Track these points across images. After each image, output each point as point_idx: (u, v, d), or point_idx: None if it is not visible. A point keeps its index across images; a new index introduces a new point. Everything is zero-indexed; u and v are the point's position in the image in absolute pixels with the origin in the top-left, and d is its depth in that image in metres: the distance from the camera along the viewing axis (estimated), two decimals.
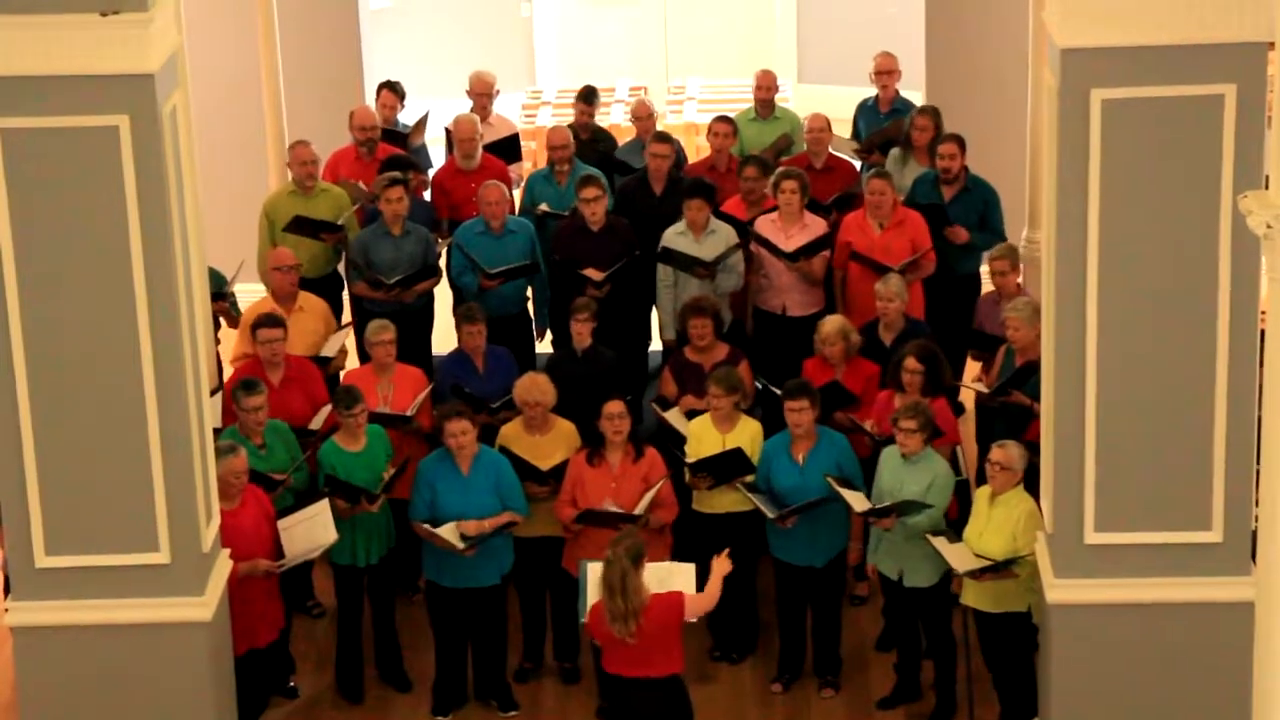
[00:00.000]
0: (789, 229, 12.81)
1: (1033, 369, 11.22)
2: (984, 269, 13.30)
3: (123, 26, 9.35)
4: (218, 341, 13.08)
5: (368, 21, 16.62)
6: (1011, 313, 11.72)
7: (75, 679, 10.28)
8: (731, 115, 14.33)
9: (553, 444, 11.35)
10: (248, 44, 14.99)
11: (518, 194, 14.12)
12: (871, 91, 14.79)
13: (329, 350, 12.57)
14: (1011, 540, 10.46)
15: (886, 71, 14.51)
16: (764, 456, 11.26)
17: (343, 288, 13.63)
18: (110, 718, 10.33)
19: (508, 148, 14.37)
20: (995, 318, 12.31)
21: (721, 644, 11.71)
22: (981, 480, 11.19)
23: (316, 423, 11.72)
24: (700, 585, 10.07)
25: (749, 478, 11.23)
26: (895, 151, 13.82)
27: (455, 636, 11.21)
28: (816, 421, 11.18)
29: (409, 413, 11.69)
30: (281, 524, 10.90)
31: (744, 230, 12.90)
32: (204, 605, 10.23)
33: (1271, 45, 9.45)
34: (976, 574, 10.49)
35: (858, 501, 10.92)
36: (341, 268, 13.57)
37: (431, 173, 14.32)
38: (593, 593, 10.02)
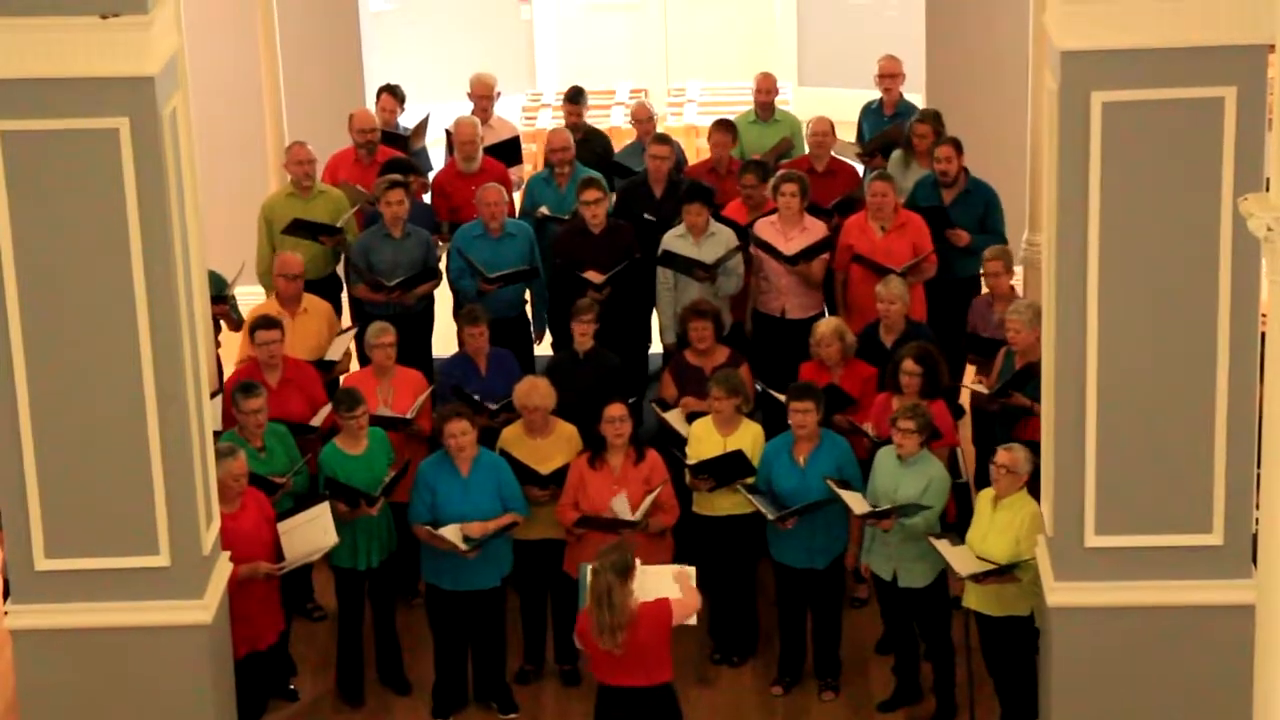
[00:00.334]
0: (788, 231, 12.80)
1: (1033, 371, 11.22)
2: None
3: (123, 29, 9.35)
4: (218, 344, 13.08)
5: (368, 23, 16.62)
6: (1012, 315, 11.71)
7: (75, 682, 10.27)
8: (731, 119, 14.33)
9: (553, 447, 11.34)
10: (248, 46, 14.99)
11: (518, 196, 14.12)
12: (874, 94, 14.79)
13: (333, 354, 12.57)
14: (1015, 544, 10.46)
15: (890, 75, 14.50)
16: (765, 458, 11.25)
17: (341, 290, 13.63)
18: None
19: (508, 150, 14.36)
20: (989, 320, 12.31)
21: (722, 647, 11.71)
22: (981, 483, 11.20)
23: (317, 420, 11.72)
24: (700, 588, 10.06)
25: (749, 480, 11.22)
26: (897, 154, 13.82)
27: (454, 639, 11.21)
28: (819, 424, 11.18)
29: (409, 415, 11.69)
30: (282, 527, 10.90)
31: (744, 234, 12.89)
32: (204, 608, 10.22)
33: (1272, 48, 9.44)
34: (979, 578, 10.48)
35: (857, 504, 10.91)
36: (340, 270, 13.57)
37: (432, 175, 14.32)
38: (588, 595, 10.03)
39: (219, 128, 15.32)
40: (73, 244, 9.67)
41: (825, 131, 13.74)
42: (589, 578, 10.06)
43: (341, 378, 12.50)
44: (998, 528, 10.53)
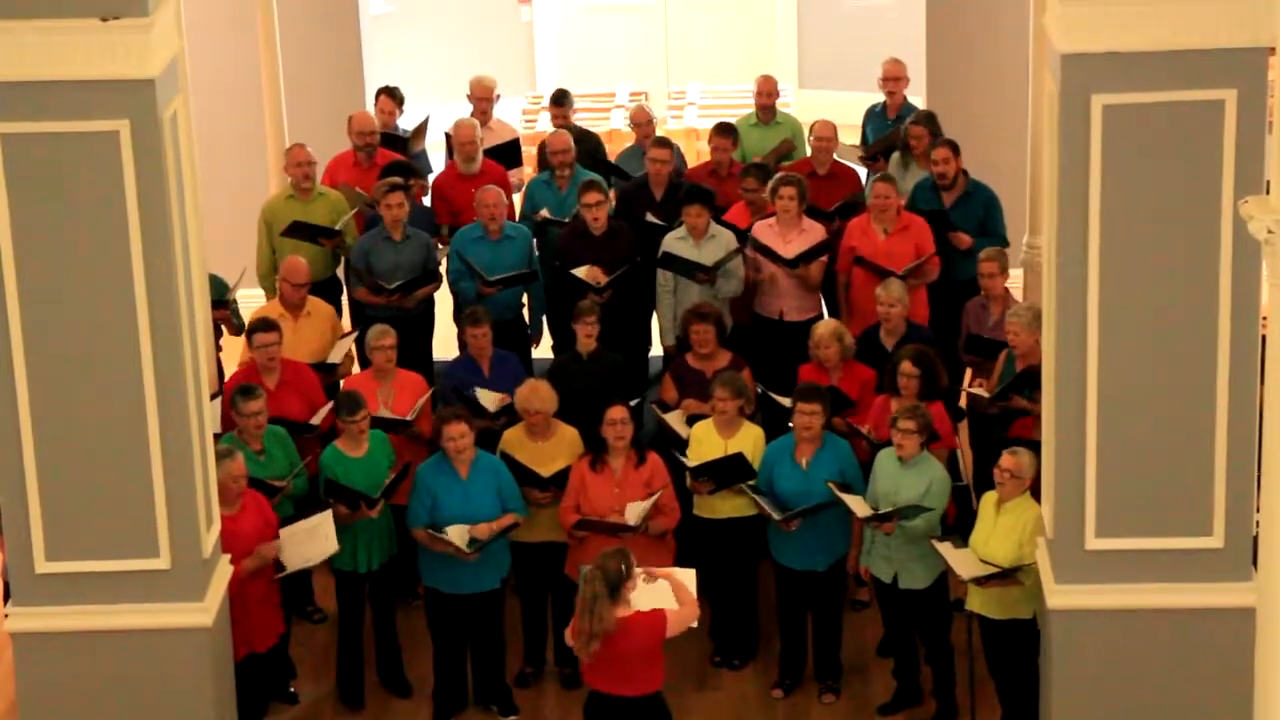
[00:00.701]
0: (787, 234, 12.80)
1: (1033, 374, 11.22)
2: None
3: (123, 32, 9.35)
4: (219, 348, 13.08)
5: (368, 26, 16.64)
6: (1012, 318, 11.71)
7: (75, 684, 10.27)
8: (732, 121, 14.33)
9: (555, 450, 11.34)
10: (248, 49, 14.99)
11: (518, 199, 14.12)
12: (874, 96, 14.79)
13: (334, 357, 12.57)
14: (1018, 547, 10.45)
15: (894, 78, 14.50)
16: (766, 460, 11.25)
17: (341, 292, 13.63)
18: None
19: (508, 153, 14.36)
20: (984, 322, 12.31)
21: (722, 650, 11.70)
22: (979, 485, 11.20)
23: (317, 418, 11.73)
24: (700, 590, 10.05)
25: (752, 482, 11.21)
26: (896, 157, 13.82)
27: (454, 642, 11.21)
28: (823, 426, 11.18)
29: (409, 417, 11.69)
30: (284, 532, 10.90)
31: (745, 236, 12.89)
32: (204, 611, 10.22)
33: (1272, 50, 9.44)
34: (981, 581, 10.48)
35: (860, 507, 10.91)
36: (340, 272, 13.58)
37: (431, 178, 14.32)
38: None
39: (219, 130, 15.32)
40: (73, 247, 9.67)
41: (828, 136, 13.73)
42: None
43: (342, 381, 12.50)
44: (1001, 531, 10.53)
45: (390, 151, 14.09)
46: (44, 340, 9.77)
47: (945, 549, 10.62)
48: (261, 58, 14.74)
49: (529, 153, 14.85)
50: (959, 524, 11.04)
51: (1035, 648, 10.64)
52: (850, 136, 14.81)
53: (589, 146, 14.36)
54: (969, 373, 12.50)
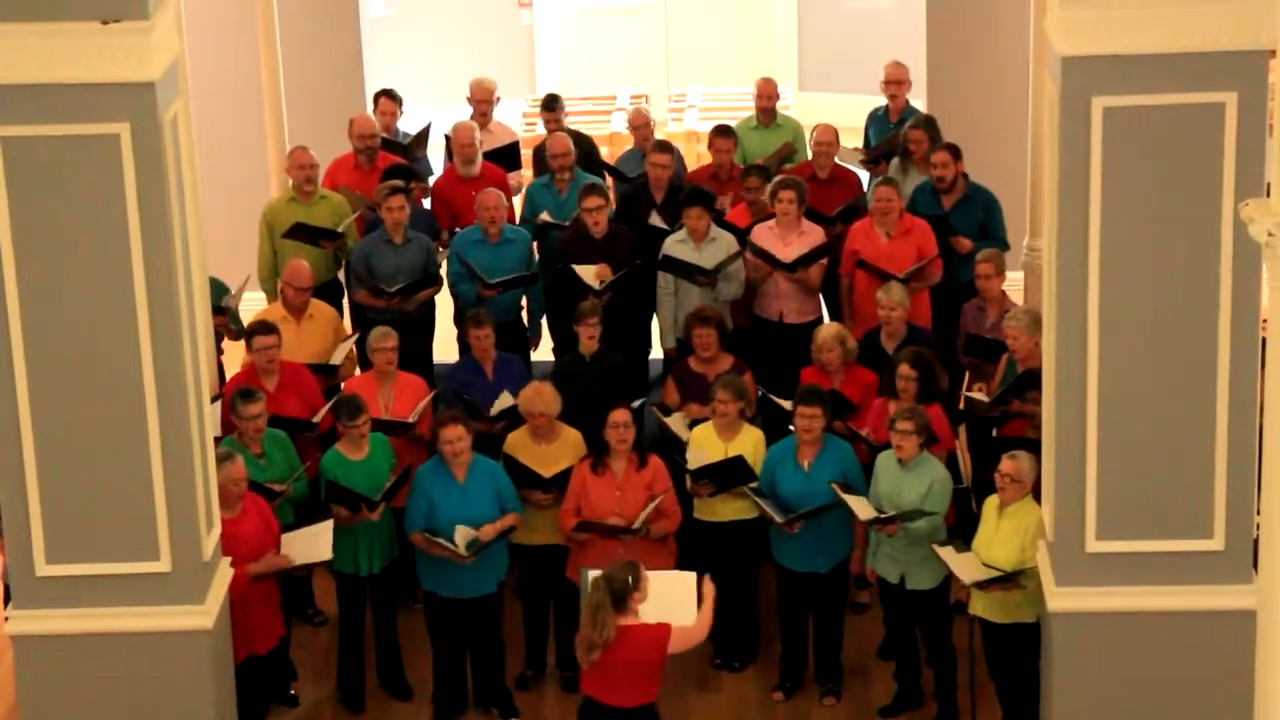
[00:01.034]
0: (787, 236, 12.80)
1: (1032, 378, 11.21)
2: None
3: (124, 35, 9.35)
4: (220, 350, 13.08)
5: (368, 29, 16.64)
6: (1010, 322, 11.71)
7: (76, 687, 10.27)
8: (732, 125, 14.33)
9: (559, 452, 11.34)
10: (249, 52, 14.99)
11: (517, 202, 14.12)
12: (875, 99, 14.79)
13: (336, 359, 12.58)
14: (1020, 551, 10.45)
15: (896, 81, 14.50)
16: (768, 463, 11.25)
17: (342, 295, 13.63)
18: None
19: (507, 155, 14.37)
20: (981, 324, 12.31)
21: (723, 652, 11.70)
22: (978, 488, 11.20)
23: (316, 419, 11.73)
24: (701, 595, 10.06)
25: (754, 484, 11.21)
26: (895, 162, 13.82)
27: (453, 645, 11.20)
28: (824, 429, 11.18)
29: (411, 419, 11.69)
30: (285, 537, 10.90)
31: (745, 238, 12.89)
32: (204, 614, 10.22)
33: (1273, 53, 9.44)
34: (984, 585, 10.47)
35: (863, 509, 10.90)
36: (341, 275, 13.58)
37: (431, 181, 14.32)
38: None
39: (220, 133, 15.33)
40: (74, 249, 9.67)
41: (829, 140, 13.73)
42: (588, 583, 10.06)
43: (343, 383, 12.50)
44: (1004, 535, 10.53)
45: (391, 155, 14.09)
46: (45, 342, 9.77)
47: (947, 553, 10.62)
48: (262, 60, 14.74)
49: (526, 156, 14.84)
50: (958, 527, 11.03)
51: (1038, 651, 10.64)
52: (851, 139, 14.81)
53: (583, 149, 14.36)
54: (968, 376, 12.49)
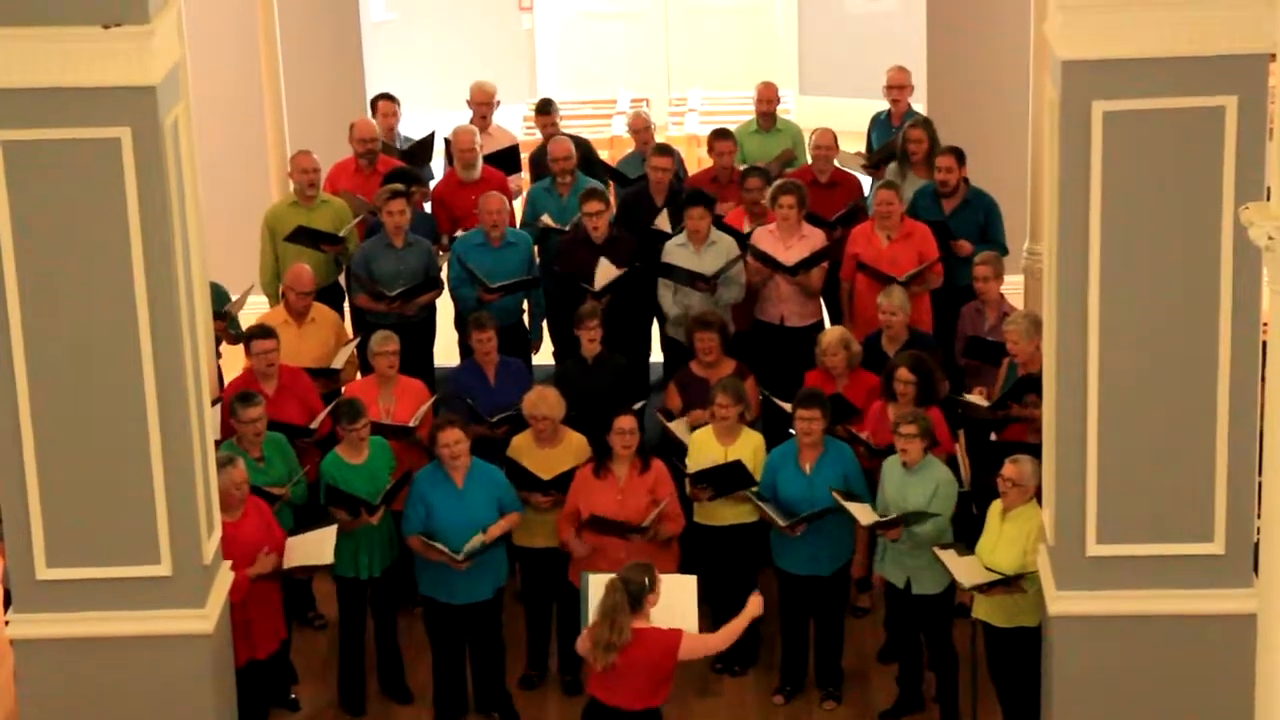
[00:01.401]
0: (787, 240, 12.80)
1: (1032, 382, 11.21)
2: None
3: (125, 39, 9.36)
4: (219, 355, 13.08)
5: (369, 33, 16.64)
6: (1009, 326, 11.71)
7: (76, 691, 10.27)
8: (732, 128, 14.33)
9: (562, 456, 11.34)
10: (249, 56, 15.00)
11: (518, 204, 14.12)
12: (876, 103, 14.79)
13: (337, 363, 12.58)
14: (1022, 555, 10.45)
15: (898, 86, 14.51)
16: (769, 466, 11.25)
17: (343, 299, 13.64)
18: None
19: (507, 159, 14.37)
20: (979, 327, 12.31)
21: (723, 656, 11.66)
22: (977, 491, 11.20)
23: (314, 423, 11.74)
24: (701, 598, 10.06)
25: (754, 489, 11.21)
26: (893, 166, 13.81)
27: (453, 649, 11.20)
28: (824, 432, 11.18)
29: (412, 423, 11.69)
30: (289, 541, 10.91)
31: (744, 242, 12.89)
32: (205, 617, 10.22)
33: (1273, 57, 9.45)
34: (983, 588, 10.47)
35: (864, 514, 10.90)
36: (342, 279, 13.58)
37: (432, 184, 14.33)
38: (595, 606, 10.01)
39: (220, 137, 15.33)
40: (74, 253, 9.67)
41: (828, 144, 13.74)
42: (589, 586, 10.07)
43: (344, 387, 12.51)
44: (1006, 539, 10.53)
45: (392, 158, 14.09)
46: (45, 345, 9.78)
47: (948, 557, 10.62)
48: (263, 65, 14.74)
49: (524, 160, 14.85)
50: (957, 530, 11.03)
51: (1039, 655, 10.63)
52: (852, 143, 14.81)
53: (581, 151, 14.37)
54: (967, 380, 12.50)
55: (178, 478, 10.00)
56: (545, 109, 14.63)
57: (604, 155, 15.45)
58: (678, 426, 11.87)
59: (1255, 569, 9.49)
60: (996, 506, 10.66)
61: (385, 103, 14.66)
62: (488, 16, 20.48)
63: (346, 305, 13.60)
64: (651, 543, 11.00)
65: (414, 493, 11.03)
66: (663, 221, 13.32)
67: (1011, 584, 10.43)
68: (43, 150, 9.53)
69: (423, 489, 11.00)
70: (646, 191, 13.59)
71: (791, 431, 11.33)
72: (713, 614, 11.45)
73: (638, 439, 11.12)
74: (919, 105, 15.34)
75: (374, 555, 11.24)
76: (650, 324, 13.65)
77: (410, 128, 15.07)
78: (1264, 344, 9.41)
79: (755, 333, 13.04)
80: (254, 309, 13.55)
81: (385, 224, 12.96)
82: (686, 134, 18.22)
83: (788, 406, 11.55)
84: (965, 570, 10.54)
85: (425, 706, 11.40)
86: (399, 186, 13.09)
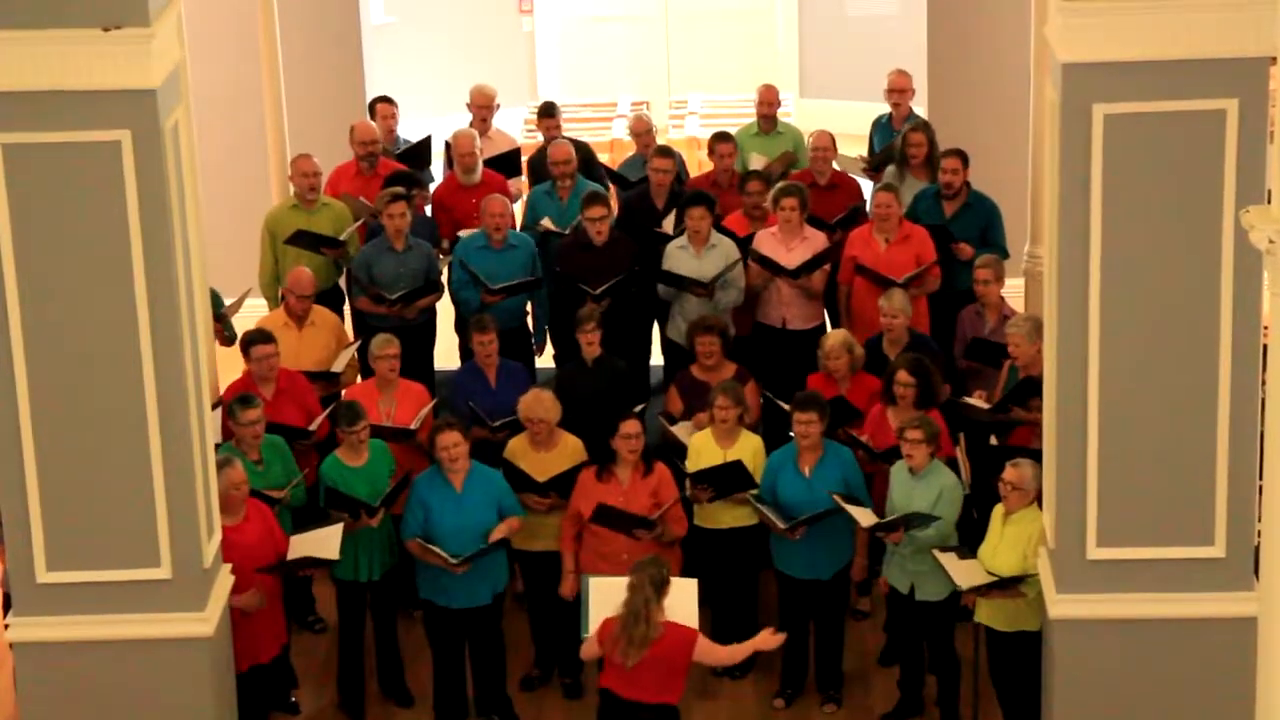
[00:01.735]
0: (789, 243, 12.80)
1: (1033, 385, 11.21)
2: None
3: (125, 42, 9.35)
4: None
5: (369, 36, 16.63)
6: (1012, 329, 11.71)
7: (76, 694, 10.26)
8: (732, 131, 14.32)
9: (558, 460, 11.33)
10: (249, 59, 15.00)
11: (518, 208, 14.12)
12: (877, 107, 14.78)
13: (337, 366, 12.58)
14: (1022, 558, 10.44)
15: (899, 89, 14.50)
16: (770, 469, 11.24)
17: (343, 302, 13.63)
18: None
19: (507, 162, 14.37)
20: (979, 330, 12.30)
21: None
22: (977, 494, 11.19)
23: (313, 426, 11.74)
24: (701, 600, 10.07)
25: (754, 491, 11.20)
26: (891, 169, 13.80)
27: (453, 653, 11.20)
28: (823, 435, 11.17)
29: (412, 426, 11.69)
30: (295, 539, 10.90)
31: (744, 246, 12.89)
32: (205, 621, 10.21)
33: (1273, 60, 9.45)
34: (981, 591, 10.47)
35: (864, 517, 10.90)
36: (342, 282, 13.58)
37: (432, 188, 14.32)
38: (594, 608, 10.01)
39: (220, 141, 15.34)
40: (74, 256, 9.67)
41: (825, 146, 13.74)
42: (589, 589, 10.06)
43: (344, 390, 12.51)
44: (1007, 543, 10.52)
45: (392, 161, 14.09)
46: (46, 348, 9.77)
47: (947, 559, 10.61)
48: (263, 67, 14.74)
49: (524, 164, 14.85)
50: (958, 532, 11.02)
51: (1039, 660, 10.63)
52: (853, 146, 14.80)
53: (581, 155, 14.37)
54: (967, 383, 12.50)
55: (178, 480, 10.00)
56: (549, 112, 14.63)
57: (604, 159, 15.45)
58: (680, 430, 11.86)
59: (1256, 572, 9.48)
60: (999, 510, 10.65)
61: (384, 105, 14.65)
62: (488, 19, 20.48)
63: (347, 308, 13.60)
64: (656, 543, 10.99)
65: (413, 496, 11.03)
66: (668, 226, 13.31)
67: (1009, 587, 10.43)
68: (43, 153, 9.53)
69: (422, 492, 11.00)
70: (648, 194, 13.59)
71: (791, 435, 11.33)
72: (713, 617, 11.48)
73: (643, 443, 11.12)
74: (920, 109, 15.35)
75: (374, 558, 11.23)
76: (651, 327, 13.64)
77: (410, 131, 15.07)
78: (1264, 347, 9.42)
79: (757, 336, 13.04)
80: (251, 312, 13.55)
81: (386, 227, 12.95)
82: (687, 137, 18.21)
83: (789, 407, 11.55)
84: (963, 573, 10.54)
85: (425, 710, 11.39)
86: (399, 190, 13.09)
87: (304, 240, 13.18)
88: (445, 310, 13.40)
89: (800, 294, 12.86)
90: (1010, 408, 11.62)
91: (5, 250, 9.64)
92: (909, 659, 11.21)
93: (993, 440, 11.86)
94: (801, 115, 18.65)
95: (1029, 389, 11.39)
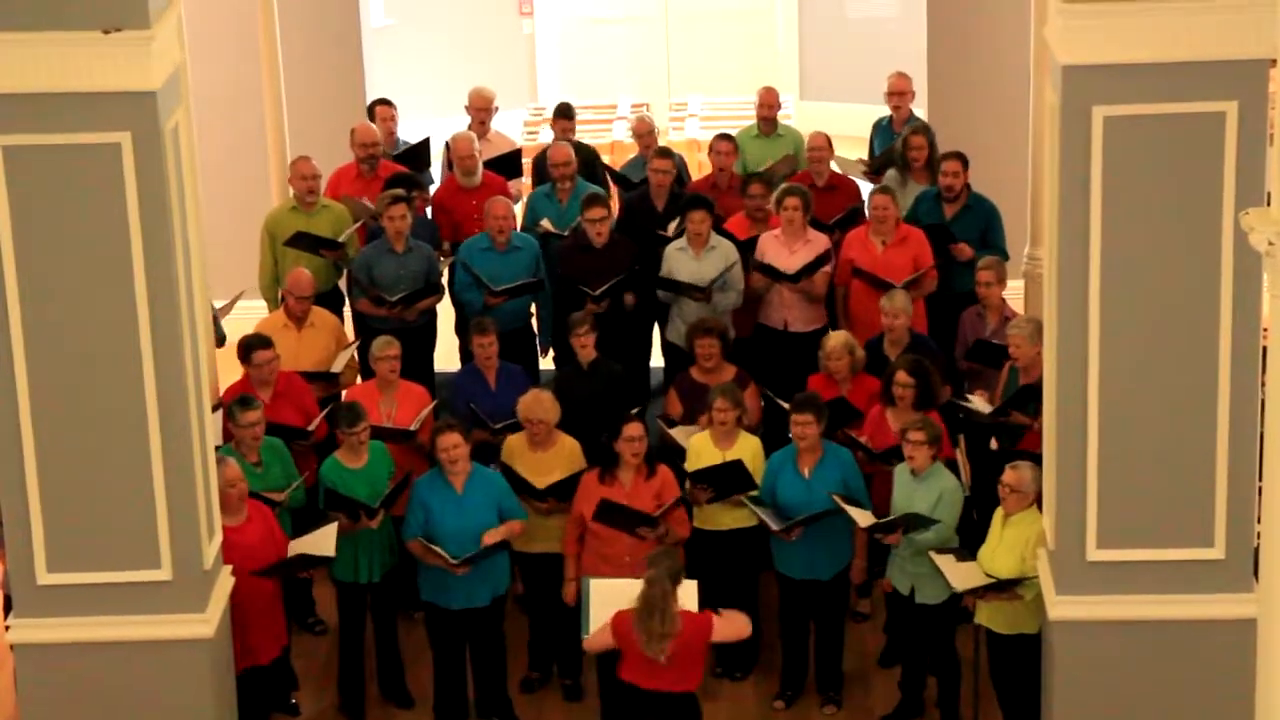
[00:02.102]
0: (792, 244, 12.81)
1: (1035, 391, 11.19)
2: None
3: (125, 44, 9.36)
4: None
5: (369, 39, 16.63)
6: (1013, 330, 11.71)
7: (77, 696, 10.27)
8: (733, 133, 14.33)
9: (554, 461, 11.34)
10: (249, 62, 15.01)
11: (518, 209, 14.12)
12: (876, 109, 14.78)
13: (336, 367, 12.58)
14: (1021, 561, 10.44)
15: (899, 92, 14.50)
16: (769, 470, 11.24)
17: (343, 304, 13.64)
18: None
19: (508, 163, 14.37)
20: (981, 332, 12.31)
21: (724, 661, 11.69)
22: (977, 496, 11.19)
23: (312, 424, 11.74)
24: (701, 602, 10.08)
25: (752, 493, 11.20)
26: (892, 172, 13.80)
27: (454, 654, 11.20)
28: (822, 436, 11.18)
29: (413, 427, 11.69)
30: (292, 543, 10.91)
31: (744, 249, 12.89)
32: (205, 622, 10.22)
33: (1273, 62, 9.45)
34: (979, 592, 10.47)
35: (863, 518, 10.90)
36: (342, 284, 13.59)
37: (432, 190, 14.33)
38: (595, 610, 10.01)
39: (220, 143, 15.34)
40: (74, 259, 9.67)
41: (822, 146, 13.74)
42: (589, 591, 10.06)
43: (344, 391, 12.51)
44: (1006, 545, 10.52)
45: (392, 163, 14.10)
46: (46, 350, 9.78)
47: (944, 561, 10.61)
48: (263, 70, 14.75)
49: (524, 165, 14.85)
50: (960, 533, 11.02)
51: (1039, 662, 10.63)
52: (853, 148, 14.79)
53: (585, 158, 14.38)
54: (967, 385, 12.51)
55: (178, 482, 10.01)
56: (565, 113, 14.62)
57: (604, 160, 15.44)
58: (679, 433, 11.85)
59: (1256, 574, 9.49)
60: (1000, 513, 10.66)
61: (383, 107, 14.66)
62: (488, 21, 20.48)
63: (347, 310, 13.61)
64: (658, 545, 10.98)
65: (414, 498, 11.03)
66: (671, 229, 13.31)
67: (1006, 589, 10.42)
68: (43, 155, 9.53)
69: (422, 494, 11.00)
70: (648, 195, 13.60)
71: (790, 436, 11.33)
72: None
73: (645, 446, 11.13)
74: (920, 111, 15.35)
75: (374, 560, 11.23)
76: (651, 329, 13.65)
77: (410, 133, 15.07)
78: (1264, 349, 9.42)
79: (758, 338, 13.05)
80: (247, 313, 13.55)
81: (386, 229, 12.96)
82: (687, 139, 18.22)
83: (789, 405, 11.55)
84: (960, 574, 10.54)
85: (426, 711, 11.39)
86: (400, 191, 13.09)
87: (303, 242, 13.19)
88: (445, 312, 13.41)
89: (802, 297, 12.86)
90: (1010, 411, 11.62)
91: (6, 251, 9.65)
92: (909, 660, 11.21)
93: (993, 444, 11.87)
94: (802, 118, 18.65)
95: (1031, 396, 11.38)
